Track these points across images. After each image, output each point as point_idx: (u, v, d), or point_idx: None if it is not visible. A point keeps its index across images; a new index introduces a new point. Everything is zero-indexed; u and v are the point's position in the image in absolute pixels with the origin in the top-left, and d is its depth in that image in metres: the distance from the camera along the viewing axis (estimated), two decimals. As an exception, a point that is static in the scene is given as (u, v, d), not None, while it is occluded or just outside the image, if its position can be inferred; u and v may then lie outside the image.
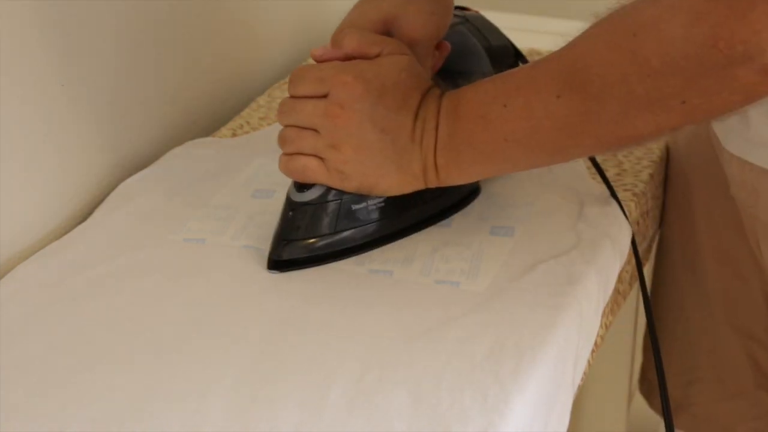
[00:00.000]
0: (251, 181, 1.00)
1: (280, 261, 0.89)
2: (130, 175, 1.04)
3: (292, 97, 0.88)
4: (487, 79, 0.86)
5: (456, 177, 0.87)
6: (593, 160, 0.99)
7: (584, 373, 0.89)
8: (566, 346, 0.82)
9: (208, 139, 1.13)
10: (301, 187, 0.88)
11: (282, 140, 0.88)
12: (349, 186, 0.87)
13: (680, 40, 0.72)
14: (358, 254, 0.90)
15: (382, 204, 0.90)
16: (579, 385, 0.87)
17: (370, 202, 0.89)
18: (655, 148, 1.11)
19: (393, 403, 0.74)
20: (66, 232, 0.96)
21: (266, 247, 0.91)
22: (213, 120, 1.18)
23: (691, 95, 0.75)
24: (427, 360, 0.78)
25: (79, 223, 0.98)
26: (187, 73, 1.14)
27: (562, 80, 0.80)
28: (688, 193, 1.12)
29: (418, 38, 0.92)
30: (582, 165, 1.04)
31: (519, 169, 0.91)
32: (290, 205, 0.89)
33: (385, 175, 0.87)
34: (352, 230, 0.89)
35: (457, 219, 0.95)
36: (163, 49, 1.10)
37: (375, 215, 0.90)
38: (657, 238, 1.18)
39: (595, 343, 0.91)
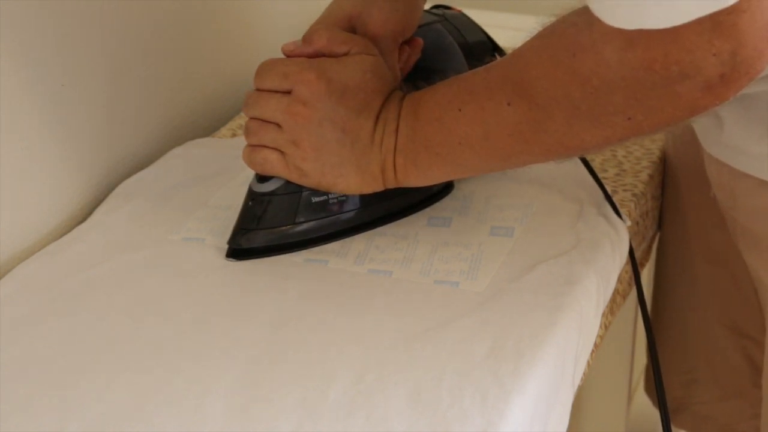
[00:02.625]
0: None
1: (238, 249, 0.90)
2: (129, 175, 1.04)
3: (258, 89, 0.88)
4: (446, 82, 0.86)
5: (414, 179, 0.88)
6: (587, 165, 0.99)
7: (584, 373, 0.89)
8: (566, 346, 0.82)
9: (208, 139, 1.13)
10: (262, 178, 0.90)
11: (246, 131, 0.89)
12: (308, 183, 0.88)
13: (616, 63, 0.72)
14: (318, 246, 0.91)
15: (344, 198, 0.90)
16: (579, 385, 0.87)
17: (332, 195, 0.90)
18: (654, 149, 1.11)
19: (392, 403, 0.74)
20: (66, 232, 0.96)
21: (266, 248, 0.92)
22: (213, 120, 1.18)
23: (635, 112, 0.75)
24: (427, 360, 0.78)
25: (79, 223, 0.98)
26: (187, 74, 1.14)
27: (511, 88, 0.80)
28: (680, 193, 1.13)
29: (380, 34, 0.92)
30: (582, 165, 1.04)
31: (475, 172, 0.91)
32: (250, 195, 0.90)
33: (344, 174, 0.87)
34: (313, 222, 0.90)
35: (457, 219, 0.95)
36: (163, 49, 1.10)
37: (336, 209, 0.91)
38: (657, 238, 1.18)
39: (595, 343, 0.91)
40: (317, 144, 0.86)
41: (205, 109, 1.17)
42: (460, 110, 0.83)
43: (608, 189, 0.98)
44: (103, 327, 0.83)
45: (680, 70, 0.70)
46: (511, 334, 0.80)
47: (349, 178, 0.88)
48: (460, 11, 1.05)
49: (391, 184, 0.89)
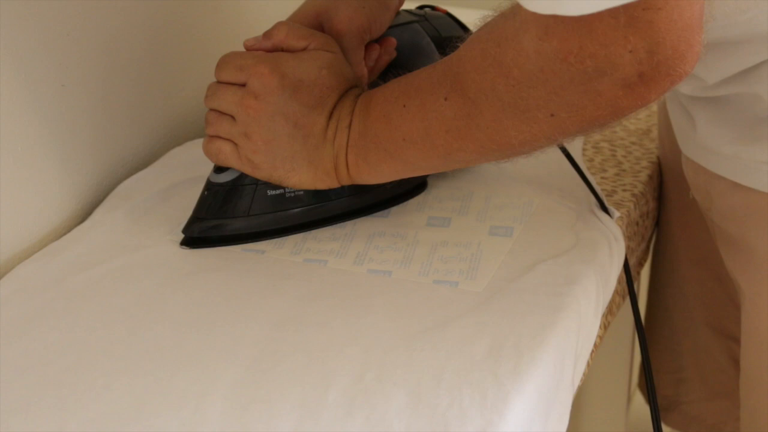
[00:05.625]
0: (250, 181, 1.00)
1: (191, 238, 0.92)
2: (129, 175, 1.04)
3: (217, 81, 0.90)
4: (397, 79, 0.87)
5: (366, 175, 0.88)
6: (571, 160, 0.98)
7: (584, 374, 0.89)
8: (565, 346, 0.82)
9: (208, 139, 1.13)
10: (219, 169, 0.91)
11: (205, 122, 0.91)
12: (260, 175, 0.89)
13: (534, 53, 0.72)
14: (272, 238, 0.92)
15: (301, 193, 0.91)
16: (579, 385, 0.87)
17: (288, 189, 0.91)
18: (654, 149, 1.11)
19: (392, 403, 0.74)
20: (66, 232, 0.96)
21: (265, 248, 0.92)
22: (213, 120, 1.18)
23: (557, 108, 0.75)
24: (426, 360, 0.78)
25: (79, 223, 0.98)
26: (186, 74, 1.14)
27: (448, 83, 0.81)
28: (667, 194, 1.13)
29: (344, 31, 0.93)
30: (582, 165, 1.04)
31: (422, 171, 0.91)
32: (207, 185, 0.92)
33: (296, 169, 0.88)
34: (268, 215, 0.91)
35: (456, 219, 0.95)
36: (163, 49, 1.10)
37: (293, 203, 0.91)
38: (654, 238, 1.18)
39: (595, 344, 0.91)
40: (268, 137, 0.87)
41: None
42: (404, 106, 0.84)
43: (600, 189, 0.98)
44: (102, 327, 0.83)
45: (595, 65, 0.70)
46: (511, 334, 0.80)
47: (301, 173, 0.88)
48: (445, 12, 1.04)
49: (345, 181, 0.89)
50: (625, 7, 0.67)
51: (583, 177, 0.98)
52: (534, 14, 0.70)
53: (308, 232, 0.93)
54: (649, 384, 0.93)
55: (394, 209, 0.96)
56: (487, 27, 0.78)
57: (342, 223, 0.94)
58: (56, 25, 0.95)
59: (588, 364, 0.90)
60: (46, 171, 0.96)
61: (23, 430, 0.74)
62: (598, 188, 0.98)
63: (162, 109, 1.11)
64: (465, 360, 0.78)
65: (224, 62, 0.90)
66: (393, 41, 0.97)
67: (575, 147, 1.07)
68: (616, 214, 0.96)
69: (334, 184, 0.90)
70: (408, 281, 0.87)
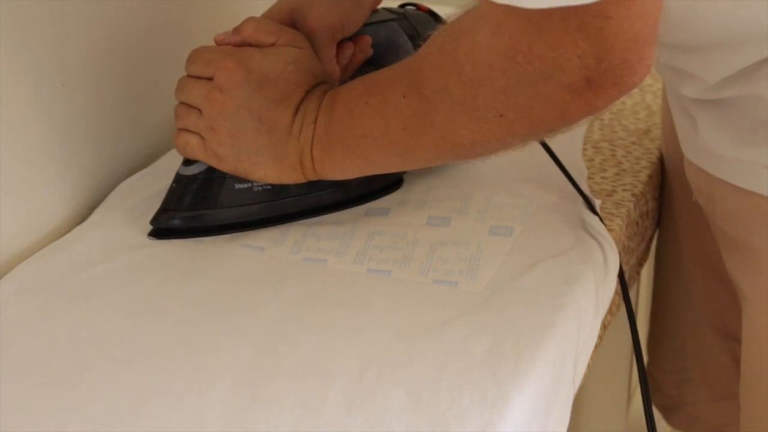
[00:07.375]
0: (250, 181, 1.01)
1: (158, 229, 0.93)
2: (129, 175, 1.04)
3: (187, 75, 0.91)
4: (363, 77, 0.87)
5: (330, 171, 0.89)
6: (567, 174, 0.98)
7: (584, 374, 0.89)
8: (565, 345, 0.82)
9: (208, 139, 1.13)
10: (188, 161, 0.92)
11: (174, 115, 0.92)
12: (225, 168, 0.90)
13: (485, 48, 0.73)
14: (240, 231, 0.93)
15: (269, 187, 0.92)
16: (579, 385, 0.87)
17: (256, 183, 0.91)
18: (653, 149, 1.11)
19: (392, 402, 0.74)
20: (66, 232, 0.96)
21: (266, 246, 0.92)
22: (213, 120, 1.18)
23: (506, 109, 0.75)
24: (426, 359, 0.78)
25: (79, 223, 0.98)
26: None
27: (407, 81, 0.81)
28: (672, 195, 1.13)
29: (316, 28, 0.94)
30: (582, 165, 1.04)
31: (383, 168, 0.91)
32: (175, 177, 0.93)
33: (261, 163, 0.89)
34: (235, 208, 0.92)
35: (456, 219, 0.95)
36: (163, 49, 1.10)
37: (261, 197, 0.92)
38: (656, 236, 1.18)
39: (595, 344, 0.91)
40: (232, 130, 0.88)
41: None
42: (366, 103, 0.85)
43: (586, 187, 0.98)
44: (102, 327, 0.83)
45: (542, 68, 0.71)
46: (511, 334, 0.80)
47: (266, 167, 0.89)
48: (426, 10, 1.04)
49: (311, 176, 0.90)
50: (576, 11, 0.68)
51: (567, 174, 0.97)
52: (490, 7, 0.71)
53: (308, 231, 0.93)
54: (642, 384, 0.93)
55: (394, 209, 0.97)
56: (449, 24, 0.79)
57: (342, 222, 0.94)
58: (56, 25, 0.95)
59: (588, 365, 0.90)
60: (46, 171, 0.96)
61: (23, 430, 0.74)
62: (584, 188, 0.97)
63: (162, 109, 1.11)
64: (465, 360, 0.78)
65: (193, 56, 0.91)
66: (368, 39, 0.98)
67: (575, 147, 1.07)
68: (597, 202, 0.96)
69: (300, 179, 0.90)
70: (408, 281, 0.87)
